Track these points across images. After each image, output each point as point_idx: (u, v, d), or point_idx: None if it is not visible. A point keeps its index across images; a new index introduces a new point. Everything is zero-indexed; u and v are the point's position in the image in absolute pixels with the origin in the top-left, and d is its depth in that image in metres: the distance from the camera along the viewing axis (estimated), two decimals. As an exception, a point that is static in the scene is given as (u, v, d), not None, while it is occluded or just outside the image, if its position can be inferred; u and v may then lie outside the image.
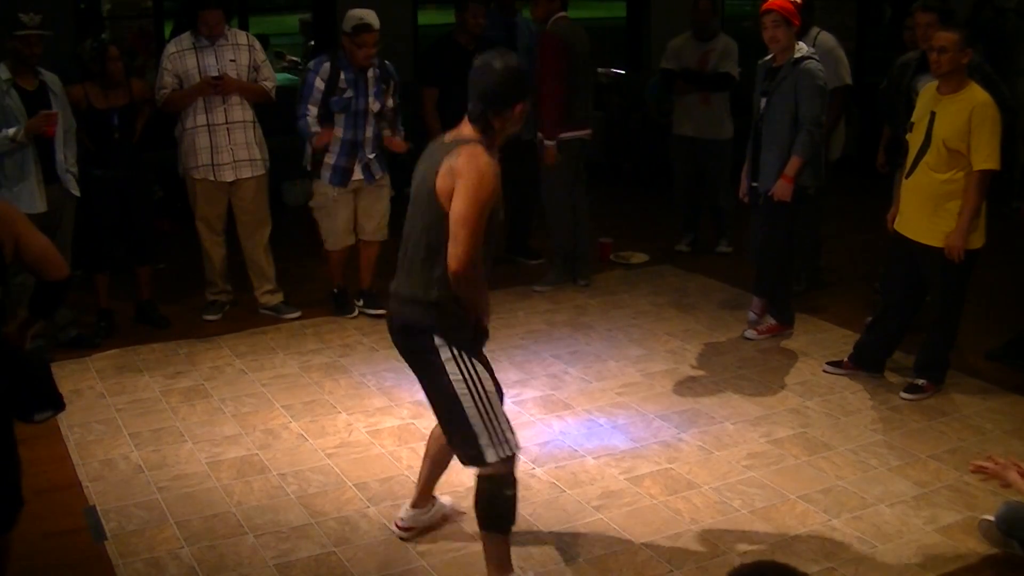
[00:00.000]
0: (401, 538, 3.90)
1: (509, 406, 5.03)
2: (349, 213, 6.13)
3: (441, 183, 3.21)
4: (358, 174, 6.01)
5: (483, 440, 3.34)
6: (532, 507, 4.13)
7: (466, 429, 3.35)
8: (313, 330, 6.10)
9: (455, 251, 3.17)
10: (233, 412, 5.02)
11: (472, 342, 3.38)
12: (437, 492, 4.01)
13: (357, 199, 6.13)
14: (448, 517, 4.00)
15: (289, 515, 4.10)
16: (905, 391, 5.12)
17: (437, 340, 3.32)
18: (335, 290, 6.35)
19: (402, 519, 3.93)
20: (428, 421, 4.88)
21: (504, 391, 5.15)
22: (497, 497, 3.41)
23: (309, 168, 6.09)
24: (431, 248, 3.28)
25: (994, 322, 6.01)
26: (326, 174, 6.00)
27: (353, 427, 4.87)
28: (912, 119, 4.97)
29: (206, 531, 3.99)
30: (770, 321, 5.93)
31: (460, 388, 3.33)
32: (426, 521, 3.95)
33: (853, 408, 5.04)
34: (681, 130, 7.41)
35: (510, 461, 3.40)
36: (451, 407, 3.36)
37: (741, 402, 5.11)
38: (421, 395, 5.14)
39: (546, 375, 5.45)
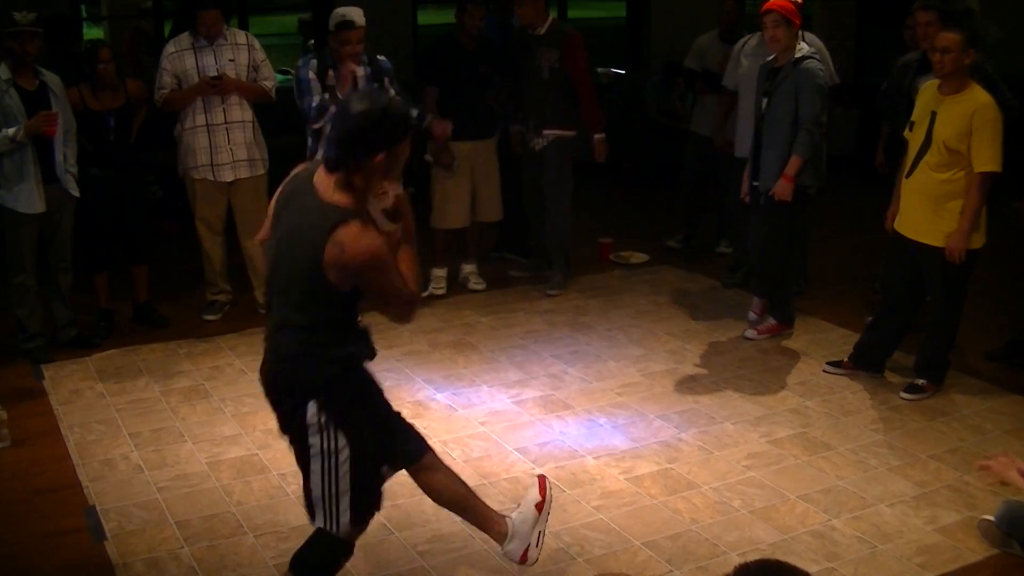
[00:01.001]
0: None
1: (509, 406, 5.07)
2: None
3: (330, 255, 2.90)
4: None
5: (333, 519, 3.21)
6: (532, 507, 4.13)
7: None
8: (313, 330, 6.10)
9: (398, 313, 3.10)
10: (233, 412, 5.02)
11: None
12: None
13: None
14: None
15: (289, 515, 4.10)
16: (905, 391, 5.12)
17: (311, 406, 3.07)
18: None
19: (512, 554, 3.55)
20: (427, 422, 4.90)
21: (504, 391, 5.15)
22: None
23: None
24: (306, 311, 3.03)
25: (994, 322, 6.00)
26: None
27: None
28: (912, 118, 4.97)
29: (206, 531, 3.99)
30: (770, 321, 5.93)
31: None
32: (520, 529, 3.55)
33: (853, 408, 5.04)
34: (699, 128, 7.40)
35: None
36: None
37: (741, 402, 5.11)
38: (421, 395, 5.21)
39: (546, 375, 5.46)
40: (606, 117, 7.18)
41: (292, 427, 3.16)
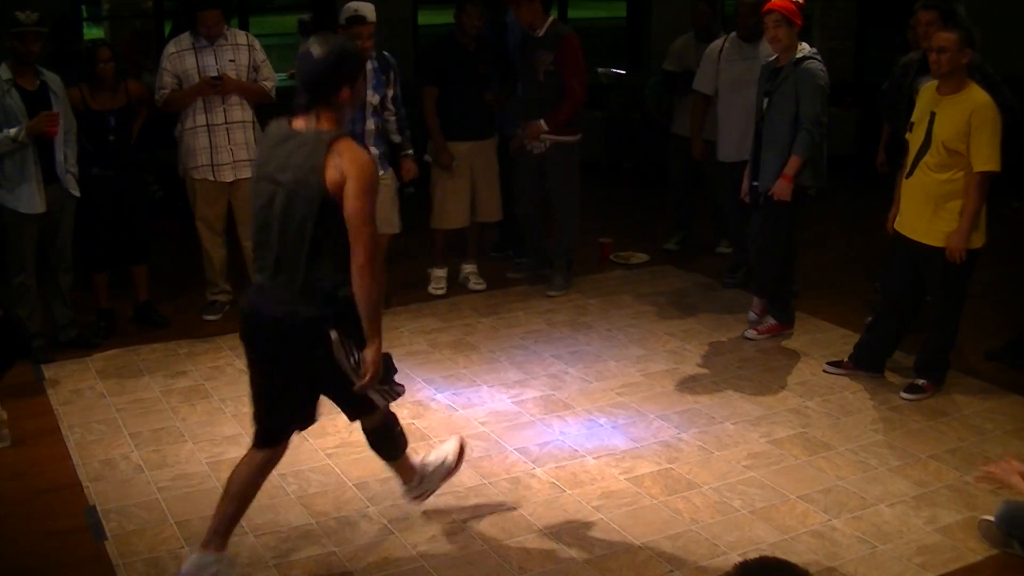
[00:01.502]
0: (415, 504, 4.07)
1: (509, 406, 5.07)
2: None
3: (331, 176, 3.23)
4: None
5: (376, 399, 3.57)
6: (532, 507, 4.14)
7: (364, 399, 3.54)
8: (313, 330, 6.10)
9: (362, 246, 3.25)
10: (233, 412, 5.02)
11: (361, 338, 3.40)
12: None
13: None
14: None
15: (289, 515, 4.10)
16: (905, 391, 5.13)
17: (333, 335, 3.35)
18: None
19: (410, 493, 4.02)
20: (427, 421, 4.90)
21: (504, 391, 5.16)
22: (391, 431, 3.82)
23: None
24: (316, 241, 3.28)
25: (994, 322, 6.01)
26: None
27: (353, 427, 4.84)
28: (912, 119, 4.98)
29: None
30: (770, 321, 5.93)
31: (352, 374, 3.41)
32: (427, 479, 4.00)
33: (853, 408, 5.04)
34: (681, 130, 7.42)
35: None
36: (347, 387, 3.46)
37: (741, 402, 5.11)
38: (421, 395, 5.21)
39: (546, 375, 5.46)
40: (605, 117, 7.24)
41: (306, 359, 3.41)
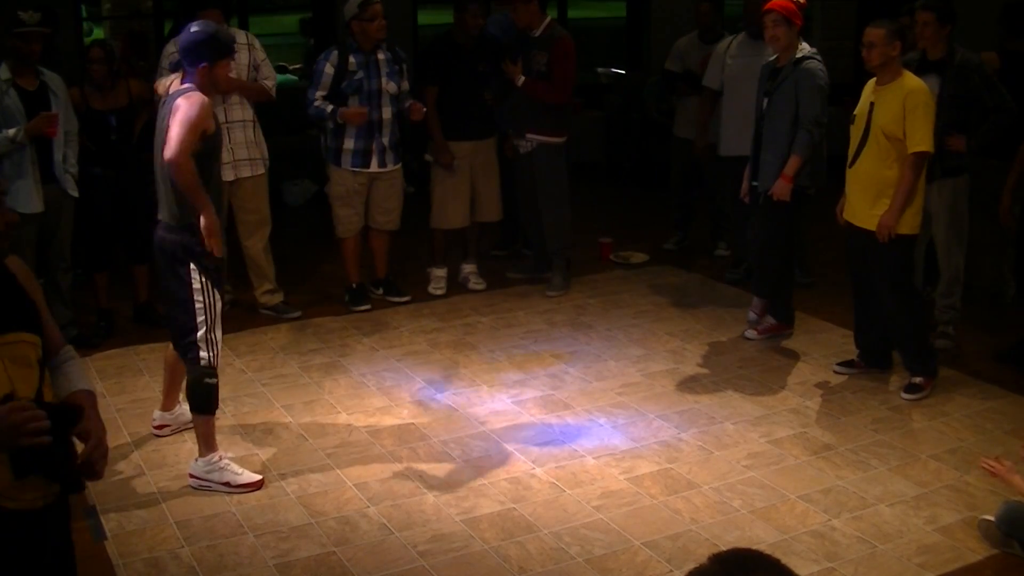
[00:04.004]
0: (156, 435, 4.74)
1: (509, 406, 5.07)
2: (363, 200, 6.29)
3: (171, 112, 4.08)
4: (375, 165, 6.13)
5: (202, 347, 4.26)
6: (532, 507, 4.14)
7: (191, 334, 4.26)
8: (313, 330, 6.11)
9: (171, 146, 4.01)
10: (233, 412, 5.02)
11: (213, 266, 4.23)
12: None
13: (371, 189, 6.27)
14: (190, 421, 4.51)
15: (289, 515, 4.10)
16: (905, 391, 5.12)
17: (192, 265, 4.18)
18: (353, 285, 6.43)
19: (155, 419, 4.78)
20: (428, 420, 4.91)
21: (504, 391, 5.16)
22: (200, 384, 4.30)
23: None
24: (172, 182, 4.11)
25: (995, 322, 6.01)
26: (347, 159, 6.17)
27: (353, 427, 4.87)
28: (855, 112, 5.09)
29: (206, 531, 3.99)
30: (770, 321, 5.93)
31: (197, 303, 4.22)
32: (178, 421, 4.76)
33: (853, 408, 5.04)
34: (681, 132, 7.42)
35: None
36: (185, 314, 4.24)
37: (741, 402, 5.11)
38: (421, 395, 5.21)
39: (546, 375, 5.46)
40: (605, 117, 7.24)
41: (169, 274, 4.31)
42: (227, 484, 4.28)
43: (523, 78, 6.38)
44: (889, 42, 4.82)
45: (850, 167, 5.08)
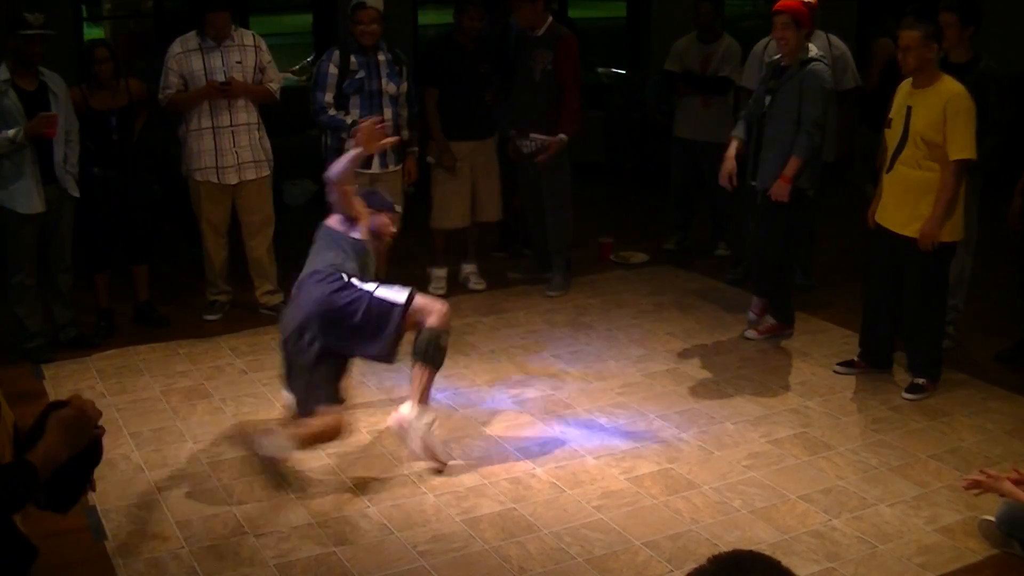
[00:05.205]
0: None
1: (509, 406, 5.06)
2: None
3: None
4: (375, 166, 6.10)
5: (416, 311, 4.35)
6: (532, 507, 4.13)
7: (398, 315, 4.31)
8: (313, 330, 6.09)
9: None
10: (234, 412, 5.02)
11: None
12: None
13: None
14: None
15: (289, 515, 4.10)
16: (907, 391, 5.12)
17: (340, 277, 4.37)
18: None
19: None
20: (428, 421, 4.89)
21: (504, 391, 5.16)
22: (434, 341, 4.31)
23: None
24: None
25: (996, 322, 6.00)
26: None
27: (353, 427, 4.87)
28: (890, 116, 5.03)
29: (206, 531, 3.99)
30: (770, 321, 5.93)
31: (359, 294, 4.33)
32: None
33: (853, 408, 5.04)
34: (681, 132, 7.41)
35: None
36: (380, 315, 4.30)
37: (741, 402, 5.11)
38: (421, 395, 5.19)
39: (546, 375, 5.45)
40: (605, 117, 7.24)
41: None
42: (426, 446, 4.34)
43: (562, 136, 6.36)
44: (925, 44, 4.72)
45: (887, 172, 5.00)
